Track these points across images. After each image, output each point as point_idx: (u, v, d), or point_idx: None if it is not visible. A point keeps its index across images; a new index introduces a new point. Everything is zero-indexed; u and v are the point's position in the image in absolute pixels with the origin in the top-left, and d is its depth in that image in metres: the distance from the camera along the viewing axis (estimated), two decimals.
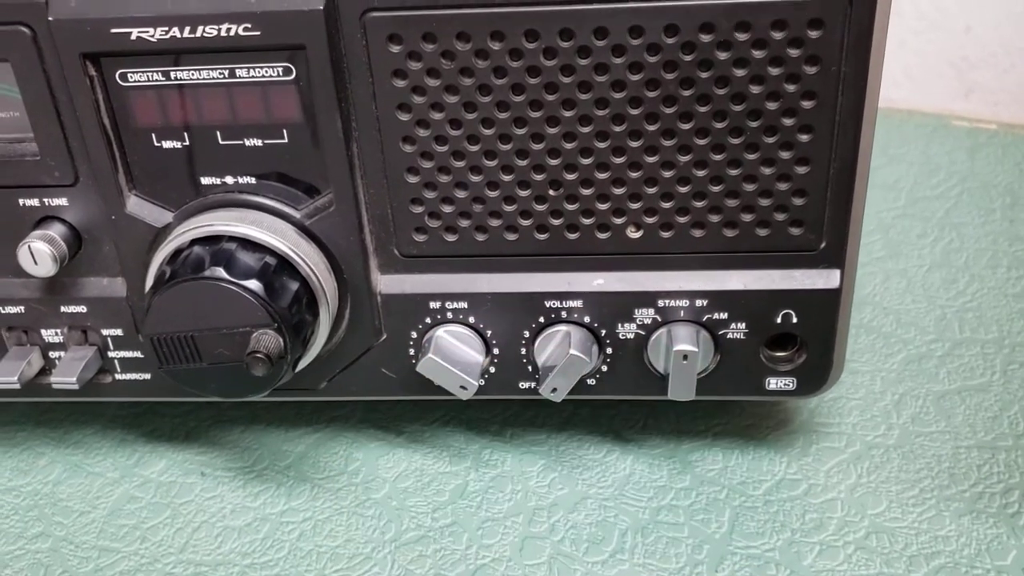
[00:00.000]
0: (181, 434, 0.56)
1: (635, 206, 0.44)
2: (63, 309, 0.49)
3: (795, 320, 0.46)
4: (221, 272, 0.43)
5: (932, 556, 0.47)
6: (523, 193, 0.44)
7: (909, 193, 0.72)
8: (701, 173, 0.43)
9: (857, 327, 0.60)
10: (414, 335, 0.49)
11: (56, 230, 0.47)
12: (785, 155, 0.43)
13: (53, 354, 0.51)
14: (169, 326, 0.44)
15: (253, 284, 0.43)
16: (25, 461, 0.56)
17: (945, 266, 0.65)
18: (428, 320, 0.48)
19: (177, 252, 0.45)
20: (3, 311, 0.50)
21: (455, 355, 0.48)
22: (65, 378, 0.49)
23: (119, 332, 0.50)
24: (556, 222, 0.45)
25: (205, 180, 0.45)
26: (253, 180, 0.45)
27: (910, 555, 0.47)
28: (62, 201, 0.46)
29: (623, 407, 0.56)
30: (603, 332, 0.48)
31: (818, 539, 0.48)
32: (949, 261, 0.65)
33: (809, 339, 0.47)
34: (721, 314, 0.47)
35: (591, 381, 0.49)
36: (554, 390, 0.48)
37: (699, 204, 0.44)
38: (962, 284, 0.63)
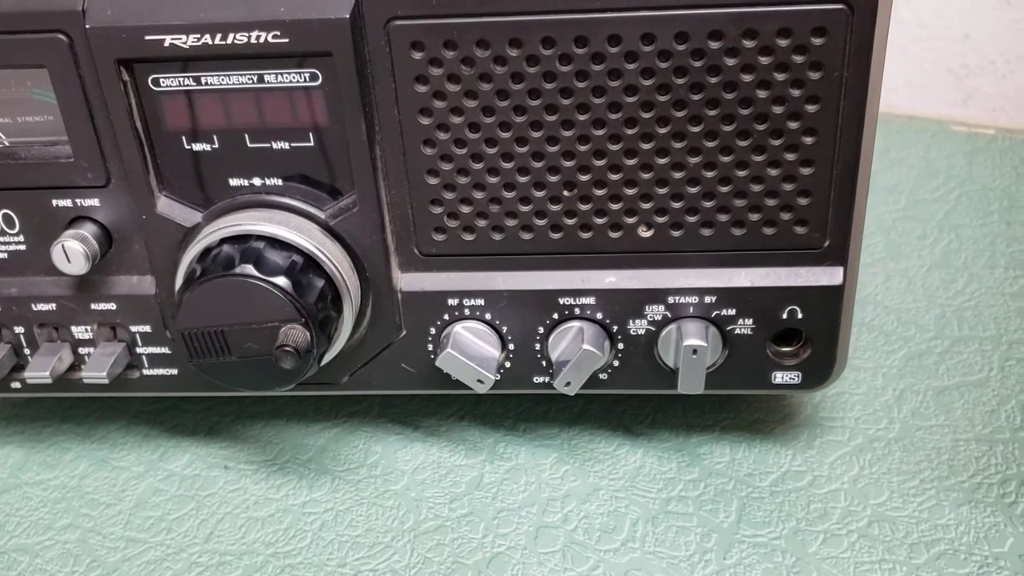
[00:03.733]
0: (204, 429, 0.58)
1: (646, 206, 0.46)
2: (93, 306, 0.51)
3: (800, 316, 0.48)
4: (251, 269, 0.44)
5: (932, 543, 0.49)
6: (538, 194, 0.46)
7: (909, 196, 0.74)
8: (710, 174, 0.45)
9: (859, 325, 0.62)
10: (433, 331, 0.50)
11: (88, 229, 0.48)
12: (790, 157, 0.44)
13: (83, 350, 0.52)
14: (200, 321, 0.45)
15: (282, 281, 0.45)
16: (52, 456, 0.57)
17: (944, 266, 0.67)
18: (446, 316, 0.50)
19: (207, 250, 0.46)
20: (35, 308, 0.51)
21: (472, 350, 0.50)
22: (95, 373, 0.51)
23: (147, 328, 0.51)
24: (570, 222, 0.47)
25: (233, 181, 0.47)
26: (280, 182, 0.47)
27: (911, 542, 0.49)
28: (94, 202, 0.48)
29: (632, 403, 0.57)
30: (615, 328, 0.49)
31: (822, 528, 0.50)
32: (948, 262, 0.67)
33: (814, 334, 0.49)
34: (729, 310, 0.48)
35: (603, 375, 0.51)
36: (568, 384, 0.49)
37: (708, 204, 0.46)
38: (961, 284, 0.65)
